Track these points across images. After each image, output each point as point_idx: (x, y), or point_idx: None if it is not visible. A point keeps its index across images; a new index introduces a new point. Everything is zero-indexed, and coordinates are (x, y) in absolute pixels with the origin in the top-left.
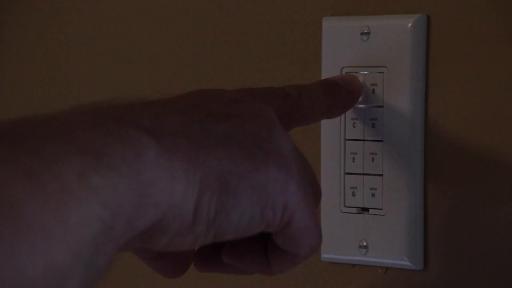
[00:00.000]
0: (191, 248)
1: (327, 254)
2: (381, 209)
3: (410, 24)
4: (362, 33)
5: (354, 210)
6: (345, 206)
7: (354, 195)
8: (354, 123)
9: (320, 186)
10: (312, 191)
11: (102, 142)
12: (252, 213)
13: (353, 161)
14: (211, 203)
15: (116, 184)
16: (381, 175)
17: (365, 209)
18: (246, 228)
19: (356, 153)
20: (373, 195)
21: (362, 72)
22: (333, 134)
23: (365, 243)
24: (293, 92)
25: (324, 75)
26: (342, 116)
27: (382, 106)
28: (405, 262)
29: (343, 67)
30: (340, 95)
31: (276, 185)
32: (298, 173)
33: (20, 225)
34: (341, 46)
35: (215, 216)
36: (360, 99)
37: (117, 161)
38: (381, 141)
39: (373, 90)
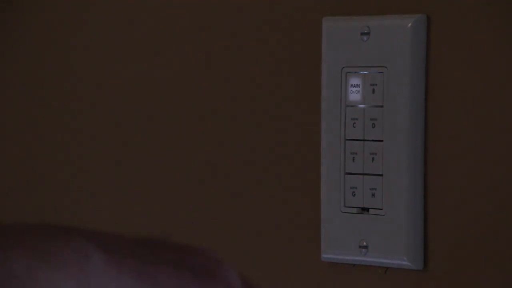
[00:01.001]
0: None
1: (327, 254)
2: (381, 209)
3: (410, 24)
4: (362, 33)
5: (354, 210)
6: (345, 206)
7: (354, 195)
8: (354, 123)
9: None
10: None
11: (49, 245)
12: None
13: (353, 161)
14: None
15: (63, 282)
16: (381, 175)
17: (365, 209)
18: None
19: (356, 153)
20: (373, 195)
21: (362, 72)
22: (333, 134)
23: (365, 243)
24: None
25: (324, 75)
26: (342, 116)
27: (382, 106)
28: (405, 262)
29: (343, 67)
30: None
31: None
32: None
33: None
34: (341, 46)
35: None
36: (360, 99)
37: (65, 261)
38: (381, 141)
39: (373, 90)
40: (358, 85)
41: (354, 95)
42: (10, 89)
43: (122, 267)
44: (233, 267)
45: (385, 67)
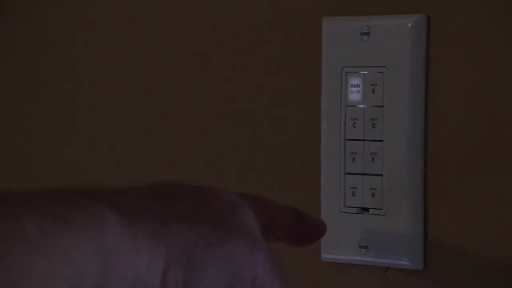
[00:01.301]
0: None
1: (327, 254)
2: (381, 209)
3: (410, 24)
4: (362, 33)
5: (354, 210)
6: (345, 206)
7: (354, 195)
8: (354, 123)
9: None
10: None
11: (64, 209)
12: (220, 286)
13: (353, 161)
14: (178, 277)
15: (80, 245)
16: (381, 175)
17: (365, 209)
18: None
19: (356, 153)
20: (373, 195)
21: (362, 72)
22: (333, 134)
23: (365, 243)
24: (260, 198)
25: (324, 75)
26: (342, 116)
27: (382, 106)
28: (405, 262)
29: (343, 67)
30: (305, 223)
31: (244, 257)
32: (264, 245)
33: None
34: (341, 46)
35: None
36: (360, 99)
37: (80, 225)
38: (381, 141)
39: (373, 90)
40: (358, 85)
41: (354, 95)
42: (9, 88)
43: (137, 228)
44: (249, 208)
45: (385, 67)
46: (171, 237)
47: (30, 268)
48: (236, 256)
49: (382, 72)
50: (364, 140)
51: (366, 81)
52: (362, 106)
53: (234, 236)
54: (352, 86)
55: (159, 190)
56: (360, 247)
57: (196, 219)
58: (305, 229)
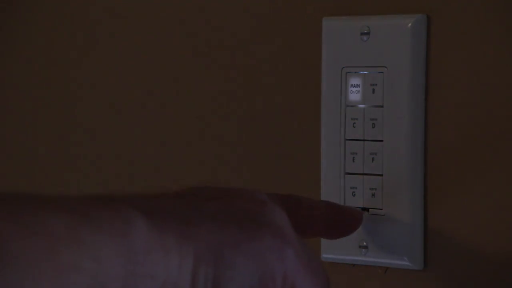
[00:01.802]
0: None
1: (327, 254)
2: (381, 209)
3: (410, 24)
4: (362, 33)
5: None
6: None
7: (354, 195)
8: (354, 123)
9: (326, 272)
10: (317, 268)
11: (90, 208)
12: (250, 283)
13: (353, 161)
14: (207, 277)
15: (106, 244)
16: (381, 175)
17: (365, 209)
18: None
19: (356, 153)
20: (373, 195)
21: (362, 72)
22: (333, 134)
23: (365, 243)
24: (293, 196)
25: (324, 75)
26: (342, 116)
27: (382, 106)
28: (405, 262)
29: (343, 67)
30: (341, 213)
31: (273, 253)
32: (295, 241)
33: (7, 257)
34: (341, 46)
35: None
36: (360, 99)
37: (106, 224)
38: (381, 141)
39: (373, 90)
40: (358, 85)
41: (354, 95)
42: (10, 89)
43: (165, 229)
44: (279, 205)
45: (385, 67)
46: (199, 237)
47: (54, 261)
48: (265, 253)
49: (382, 72)
50: (364, 140)
51: (366, 81)
52: (362, 106)
53: (262, 234)
54: (352, 86)
55: (187, 194)
56: (360, 247)
57: (223, 218)
58: (343, 220)
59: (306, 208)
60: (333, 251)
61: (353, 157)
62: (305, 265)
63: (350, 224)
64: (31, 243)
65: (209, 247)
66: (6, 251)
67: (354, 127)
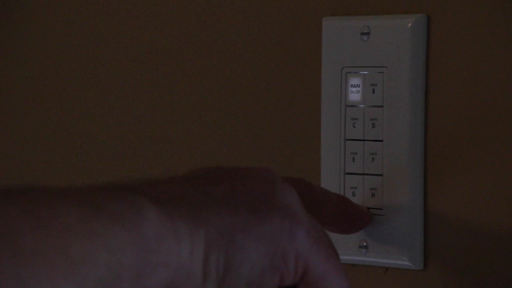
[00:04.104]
0: None
1: None
2: (381, 209)
3: (410, 24)
4: (362, 33)
5: None
6: None
7: (354, 195)
8: (354, 123)
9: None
10: (329, 242)
11: (101, 199)
12: (262, 266)
13: (353, 161)
14: (219, 260)
15: (118, 234)
16: (381, 175)
17: None
18: (259, 282)
19: (356, 153)
20: (373, 195)
21: (362, 72)
22: (333, 134)
23: (365, 243)
24: (305, 180)
25: (324, 75)
26: (342, 116)
27: (382, 106)
28: (405, 262)
29: (343, 67)
30: (351, 208)
31: (283, 234)
32: (305, 219)
33: (20, 250)
34: (341, 46)
35: (224, 273)
36: (360, 99)
37: (117, 215)
38: (381, 141)
39: (373, 90)
40: (358, 85)
41: (354, 95)
42: (10, 89)
43: (176, 216)
44: (290, 184)
45: (385, 67)
46: (209, 223)
47: (67, 254)
48: (275, 235)
49: (382, 72)
50: (364, 140)
51: (366, 81)
52: (362, 106)
53: (271, 215)
54: (352, 86)
55: (196, 176)
56: (360, 247)
57: (233, 201)
58: (351, 216)
59: (316, 192)
60: None
61: (353, 157)
62: (317, 244)
63: (357, 221)
64: (44, 236)
65: (219, 231)
66: (20, 245)
67: (354, 127)
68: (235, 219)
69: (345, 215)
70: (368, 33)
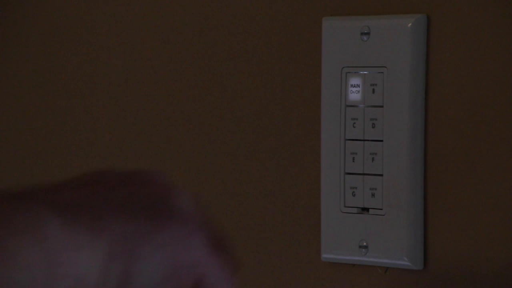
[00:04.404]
0: None
1: (327, 254)
2: (381, 209)
3: (410, 24)
4: (362, 33)
5: (354, 210)
6: (345, 206)
7: (354, 195)
8: (354, 123)
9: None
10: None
11: (7, 213)
12: (162, 275)
13: (353, 161)
14: (118, 270)
15: (27, 250)
16: (381, 175)
17: (365, 209)
18: None
19: (356, 153)
20: (373, 195)
21: (362, 72)
22: (333, 134)
23: (365, 243)
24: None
25: (324, 75)
26: (342, 116)
27: (382, 106)
28: (405, 262)
29: (343, 67)
30: None
31: (181, 242)
32: (203, 227)
33: None
34: (341, 46)
35: (125, 283)
36: (360, 99)
37: (24, 230)
38: (381, 141)
39: (373, 90)
40: (358, 85)
41: (354, 95)
42: (10, 90)
43: (77, 226)
44: (184, 189)
45: (385, 67)
46: (109, 230)
47: None
48: (174, 243)
49: (382, 72)
50: (364, 140)
51: (366, 81)
52: (362, 106)
53: (169, 223)
54: (352, 86)
55: (92, 181)
56: (360, 247)
57: (131, 209)
58: None
59: None
60: (333, 251)
61: (353, 157)
62: (213, 252)
63: None
64: None
65: (120, 240)
66: None
67: (354, 127)
68: (135, 228)
69: None
70: (368, 33)
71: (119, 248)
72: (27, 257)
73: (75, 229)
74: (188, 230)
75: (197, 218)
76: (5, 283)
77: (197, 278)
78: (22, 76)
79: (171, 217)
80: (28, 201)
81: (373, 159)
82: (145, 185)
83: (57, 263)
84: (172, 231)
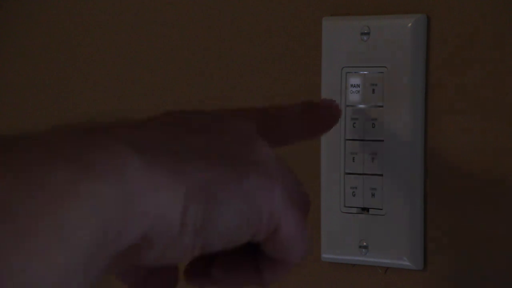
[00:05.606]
0: (179, 261)
1: (327, 254)
2: (381, 209)
3: (410, 24)
4: (362, 33)
5: (354, 210)
6: (345, 206)
7: (354, 195)
8: (354, 123)
9: (308, 195)
10: (300, 200)
11: (87, 153)
12: (238, 221)
13: (353, 161)
14: (197, 213)
15: (104, 193)
16: (381, 175)
17: (365, 209)
18: (234, 237)
19: (356, 153)
20: (373, 195)
21: (362, 72)
22: (333, 134)
23: (365, 243)
24: (271, 111)
25: (324, 75)
26: (342, 116)
27: (382, 106)
28: (405, 262)
29: (343, 67)
30: (319, 113)
31: (261, 193)
32: (282, 180)
33: (11, 226)
34: (341, 46)
35: (201, 226)
36: (360, 99)
37: (103, 171)
38: (381, 141)
39: (373, 90)
40: (358, 85)
41: (354, 95)
42: (10, 90)
43: (157, 167)
44: (265, 143)
45: (385, 67)
46: (189, 175)
47: (54, 218)
48: (254, 192)
49: (382, 72)
50: (364, 140)
51: (366, 81)
52: (362, 106)
53: (250, 173)
54: (352, 86)
55: (174, 123)
56: (360, 247)
57: (213, 155)
58: (317, 115)
59: (272, 116)
60: (333, 251)
61: (353, 157)
62: (290, 205)
63: (326, 118)
64: (30, 199)
65: (199, 185)
66: (4, 208)
67: (354, 127)
68: (215, 174)
69: (311, 117)
70: (368, 33)
71: (198, 193)
72: (102, 199)
73: (155, 170)
74: (269, 181)
75: (277, 171)
76: (79, 228)
77: (275, 227)
78: (22, 76)
79: (252, 168)
80: (107, 137)
81: (373, 159)
82: (227, 132)
83: (134, 203)
84: (253, 182)
